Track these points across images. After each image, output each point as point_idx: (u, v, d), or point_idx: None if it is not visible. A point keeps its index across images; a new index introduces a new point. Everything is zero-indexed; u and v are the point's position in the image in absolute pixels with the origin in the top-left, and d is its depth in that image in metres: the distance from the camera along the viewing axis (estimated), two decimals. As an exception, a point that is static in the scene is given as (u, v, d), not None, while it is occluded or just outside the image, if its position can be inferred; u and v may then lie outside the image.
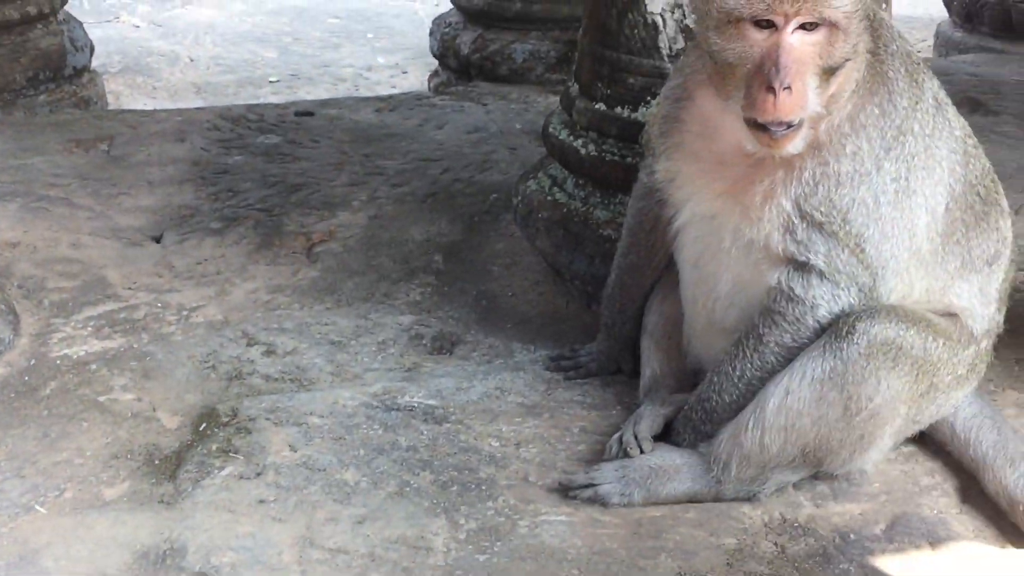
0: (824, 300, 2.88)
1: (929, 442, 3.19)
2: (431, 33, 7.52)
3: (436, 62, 7.69)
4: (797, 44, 2.64)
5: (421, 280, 4.37)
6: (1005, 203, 3.15)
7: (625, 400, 3.46)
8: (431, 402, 3.45)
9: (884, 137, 2.82)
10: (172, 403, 3.52)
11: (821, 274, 2.86)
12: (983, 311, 3.06)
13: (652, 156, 3.19)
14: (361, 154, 5.66)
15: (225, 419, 3.37)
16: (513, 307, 4.15)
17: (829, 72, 2.69)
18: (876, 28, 2.86)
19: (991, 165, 3.13)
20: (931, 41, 9.00)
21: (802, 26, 2.63)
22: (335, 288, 4.32)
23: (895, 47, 2.90)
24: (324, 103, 6.64)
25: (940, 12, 9.15)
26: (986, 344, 3.11)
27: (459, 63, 7.10)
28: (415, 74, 8.36)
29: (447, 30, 7.28)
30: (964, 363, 3.03)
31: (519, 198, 4.19)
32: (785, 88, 2.60)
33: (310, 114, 6.32)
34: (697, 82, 2.96)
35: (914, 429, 3.10)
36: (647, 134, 3.24)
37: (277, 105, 6.58)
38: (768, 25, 2.64)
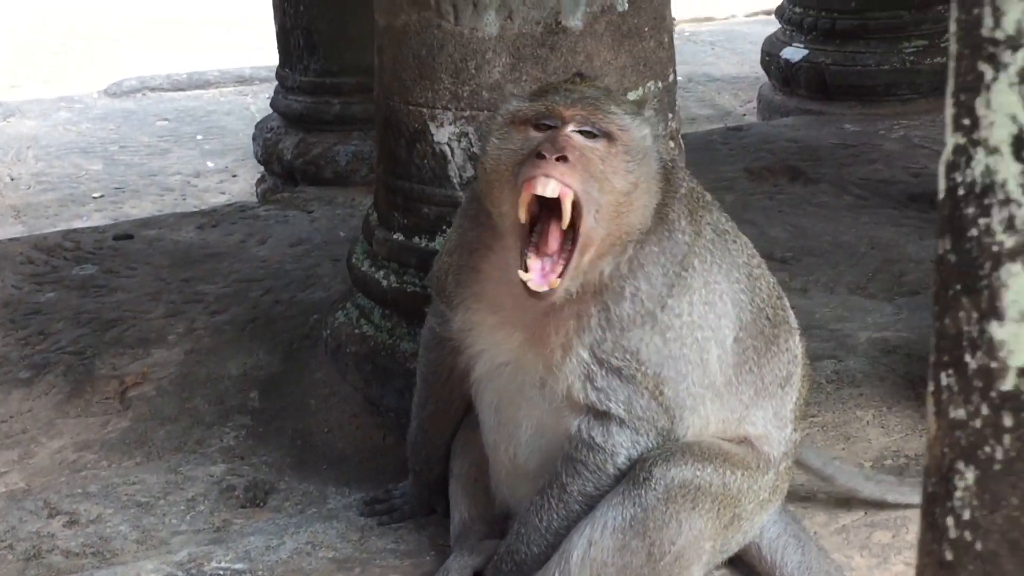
0: (624, 448, 2.86)
1: (740, 563, 3.18)
2: (254, 139, 7.41)
3: (264, 165, 7.58)
4: (576, 138, 2.65)
5: (236, 422, 4.24)
6: (792, 318, 3.17)
7: (439, 543, 3.38)
8: (238, 566, 3.32)
9: (666, 275, 2.81)
10: (-35, 594, 3.34)
11: (621, 421, 2.84)
12: (779, 435, 3.06)
13: (446, 306, 3.13)
14: (180, 279, 5.51)
15: (19, 609, 3.21)
16: (330, 444, 4.06)
17: (611, 190, 2.66)
18: (669, 174, 2.87)
19: (776, 280, 3.16)
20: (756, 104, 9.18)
21: (583, 132, 2.66)
22: (146, 439, 4.17)
23: (684, 190, 2.90)
24: (144, 223, 6.47)
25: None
26: (785, 465, 3.11)
27: (283, 168, 7.01)
28: (245, 177, 8.22)
29: (269, 135, 7.18)
30: (765, 488, 3.03)
31: (328, 331, 4.11)
32: (559, 157, 2.58)
33: (129, 237, 6.14)
34: (495, 231, 2.92)
35: (722, 558, 3.08)
36: (437, 283, 3.17)
37: (95, 229, 6.39)
38: (548, 128, 2.67)
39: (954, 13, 1.11)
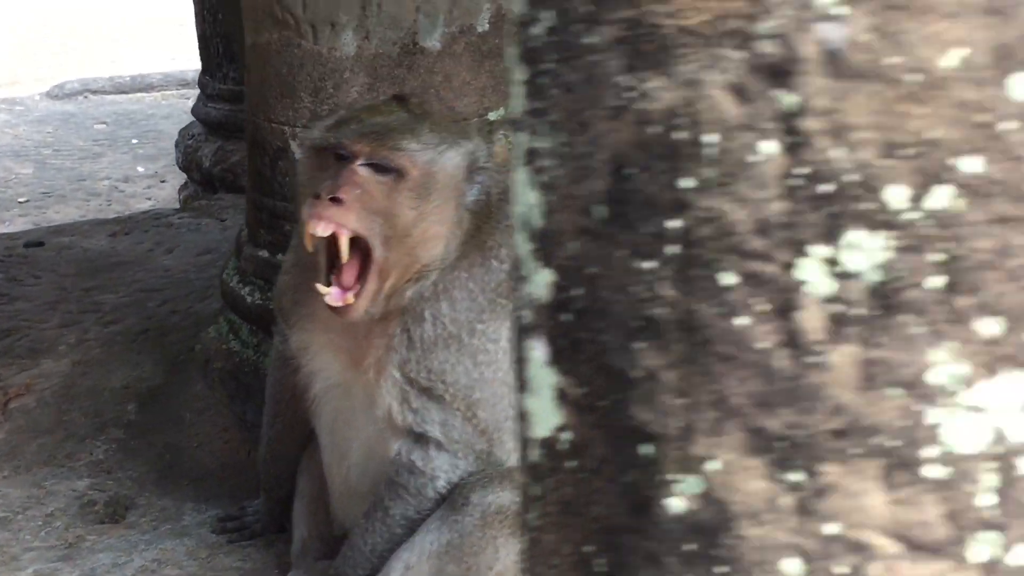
0: (443, 472, 2.89)
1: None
2: (176, 145, 7.40)
3: (192, 171, 7.56)
4: (363, 174, 2.68)
5: (109, 435, 4.24)
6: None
7: (285, 561, 3.39)
8: (83, 584, 3.34)
9: (474, 300, 2.83)
10: None
11: (439, 445, 2.87)
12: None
13: (286, 324, 3.15)
14: (82, 289, 5.50)
15: None
16: (197, 460, 4.06)
17: (395, 224, 2.70)
18: (490, 203, 2.87)
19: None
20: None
21: (374, 166, 2.68)
22: (19, 452, 4.16)
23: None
24: (57, 230, 6.46)
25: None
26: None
27: (203, 175, 7.01)
28: (173, 182, 8.20)
29: (190, 142, 7.18)
30: (592, 509, 3.05)
31: (200, 346, 4.12)
32: (333, 198, 2.62)
33: (40, 244, 6.13)
34: None
35: (549, 580, 3.10)
36: (278, 302, 3.20)
37: (8, 236, 6.38)
38: (344, 159, 2.70)
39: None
